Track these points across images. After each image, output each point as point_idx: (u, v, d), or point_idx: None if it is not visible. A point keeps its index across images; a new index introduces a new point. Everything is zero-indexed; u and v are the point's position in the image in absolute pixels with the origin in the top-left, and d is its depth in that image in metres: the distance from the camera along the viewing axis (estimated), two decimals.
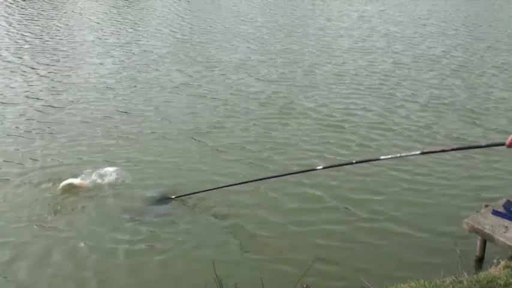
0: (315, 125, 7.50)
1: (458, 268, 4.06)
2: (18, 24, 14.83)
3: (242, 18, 15.71)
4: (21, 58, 11.05)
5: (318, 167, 5.20)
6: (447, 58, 11.25)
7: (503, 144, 3.50)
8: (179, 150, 6.70)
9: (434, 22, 15.25)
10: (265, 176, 5.61)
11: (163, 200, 5.58)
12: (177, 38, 13.08)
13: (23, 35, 13.35)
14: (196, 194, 5.52)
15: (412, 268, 4.40)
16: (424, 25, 14.81)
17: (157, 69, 10.29)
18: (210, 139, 7.00)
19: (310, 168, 5.49)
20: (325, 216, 5.23)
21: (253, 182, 5.55)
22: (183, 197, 5.54)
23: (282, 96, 8.69)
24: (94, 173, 5.91)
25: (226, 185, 5.58)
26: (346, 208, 5.37)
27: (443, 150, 4.74)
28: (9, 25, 14.64)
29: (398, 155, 4.96)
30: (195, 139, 7.01)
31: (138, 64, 10.67)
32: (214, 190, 5.48)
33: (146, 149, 6.74)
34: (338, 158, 6.39)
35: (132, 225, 5.10)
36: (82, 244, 4.77)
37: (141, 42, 12.59)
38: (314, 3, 18.61)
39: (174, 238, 4.91)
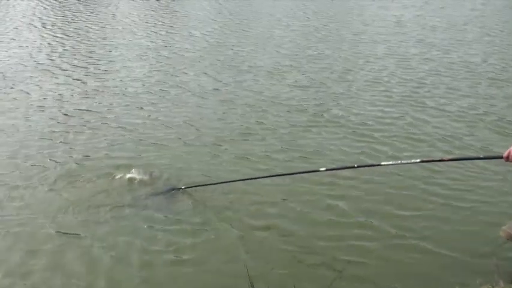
0: (345, 134, 7.54)
1: (494, 277, 4.09)
2: (53, 26, 15.25)
3: (276, 22, 15.81)
4: (53, 60, 11.39)
5: (321, 169, 5.41)
6: (483, 66, 11.13)
7: (501, 157, 3.55)
8: (205, 156, 6.85)
9: (472, 28, 15.08)
10: (271, 174, 5.98)
11: (173, 191, 5.91)
12: (209, 42, 13.26)
13: (56, 36, 13.74)
14: (206, 189, 5.83)
15: (447, 276, 4.48)
16: (461, 31, 14.66)
17: (188, 74, 10.48)
18: (237, 146, 7.13)
19: (313, 169, 5.72)
20: (351, 230, 5.26)
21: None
22: (194, 189, 5.86)
23: (313, 103, 8.77)
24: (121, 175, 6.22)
25: (233, 179, 5.91)
26: (373, 223, 5.38)
27: (441, 160, 4.96)
28: (44, 27, 15.05)
29: (399, 161, 5.23)
30: (222, 145, 7.15)
31: (169, 68, 10.88)
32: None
33: (174, 154, 6.91)
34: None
35: (148, 223, 5.36)
36: (96, 245, 4.99)
37: (173, 46, 12.82)
38: (351, 7, 18.59)
39: (191, 235, 5.14)
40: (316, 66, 11.09)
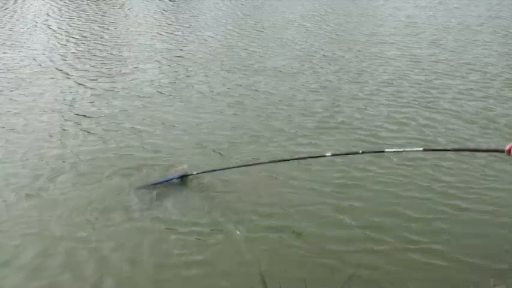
0: (352, 141, 7.53)
1: (510, 277, 4.17)
2: (64, 27, 15.41)
3: (287, 23, 15.87)
4: (64, 62, 11.53)
5: (327, 154, 5.71)
6: (497, 67, 11.13)
7: (503, 151, 3.66)
8: (215, 158, 6.97)
9: (486, 29, 15.03)
10: (281, 159, 6.43)
11: (185, 177, 6.20)
12: (220, 43, 13.35)
13: (67, 38, 13.88)
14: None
15: (460, 276, 4.65)
16: (475, 32, 14.62)
17: (199, 75, 10.59)
18: (246, 148, 7.20)
19: (319, 154, 6.12)
20: (362, 234, 5.33)
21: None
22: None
23: (323, 106, 8.83)
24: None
25: (243, 164, 6.33)
26: (384, 227, 5.45)
27: (444, 150, 5.16)
28: (55, 28, 15.21)
29: (402, 149, 5.61)
30: (232, 147, 7.25)
31: (180, 70, 11.00)
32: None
33: (184, 155, 7.04)
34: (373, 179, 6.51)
35: (159, 219, 5.61)
36: (106, 245, 5.16)
37: (184, 47, 12.93)
38: (364, 7, 18.60)
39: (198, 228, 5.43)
40: (327, 68, 11.15)
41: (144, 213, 5.66)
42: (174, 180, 6.19)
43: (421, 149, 5.24)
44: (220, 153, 7.08)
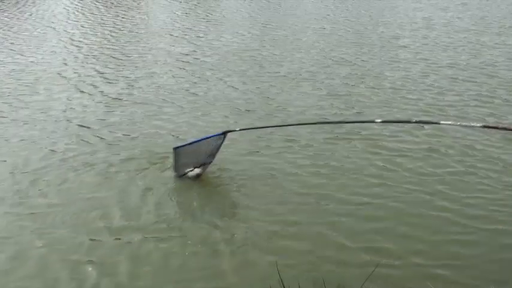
0: (365, 150, 7.44)
1: None
2: (74, 31, 15.67)
3: (304, 26, 15.95)
4: (75, 67, 11.78)
5: (377, 120, 6.11)
6: None
7: None
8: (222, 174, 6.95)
9: (508, 31, 14.95)
10: (328, 121, 7.22)
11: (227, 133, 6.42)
12: (233, 47, 13.48)
13: (78, 42, 14.16)
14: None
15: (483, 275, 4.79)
16: (499, 34, 14.55)
17: (213, 80, 10.73)
18: (253, 163, 7.13)
19: (369, 120, 6.74)
20: (376, 243, 5.34)
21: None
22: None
23: (333, 113, 8.84)
24: None
25: (283, 124, 7.07)
26: (400, 237, 5.44)
27: (505, 129, 4.91)
28: (64, 31, 15.48)
29: (459, 123, 5.56)
30: (244, 155, 7.30)
31: (192, 76, 11.13)
32: None
33: None
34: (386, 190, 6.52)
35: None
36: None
37: (197, 51, 13.11)
38: (383, 9, 18.60)
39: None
40: (343, 72, 11.21)
41: (165, 214, 5.86)
42: (216, 138, 6.41)
43: (479, 125, 5.01)
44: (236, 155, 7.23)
